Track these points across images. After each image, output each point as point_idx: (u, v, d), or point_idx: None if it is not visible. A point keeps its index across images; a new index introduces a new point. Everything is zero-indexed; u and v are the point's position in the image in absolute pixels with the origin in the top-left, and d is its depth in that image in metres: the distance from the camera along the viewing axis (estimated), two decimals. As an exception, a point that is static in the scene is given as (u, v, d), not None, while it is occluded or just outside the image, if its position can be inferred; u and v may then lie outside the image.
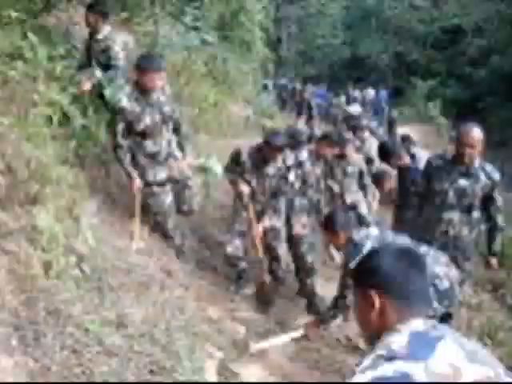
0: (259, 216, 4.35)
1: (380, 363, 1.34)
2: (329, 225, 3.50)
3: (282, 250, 4.56)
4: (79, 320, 2.37)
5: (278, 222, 4.49)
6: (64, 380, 2.05)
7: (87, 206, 3.37)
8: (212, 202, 5.65)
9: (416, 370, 1.30)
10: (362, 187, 5.53)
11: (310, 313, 4.54)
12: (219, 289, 4.24)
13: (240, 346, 3.49)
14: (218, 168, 5.39)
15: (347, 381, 1.40)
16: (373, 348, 1.43)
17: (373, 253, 1.66)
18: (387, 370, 1.31)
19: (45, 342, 2.11)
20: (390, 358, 1.34)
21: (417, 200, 4.26)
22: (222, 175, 4.96)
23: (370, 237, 3.35)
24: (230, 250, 4.37)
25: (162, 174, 4.10)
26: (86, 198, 3.44)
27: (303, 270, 4.68)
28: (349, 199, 5.44)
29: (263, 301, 4.34)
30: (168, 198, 4.18)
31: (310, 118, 14.95)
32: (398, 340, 1.39)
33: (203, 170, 5.60)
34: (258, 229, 4.32)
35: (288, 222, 4.66)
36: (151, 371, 2.49)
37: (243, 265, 4.46)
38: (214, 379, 3.07)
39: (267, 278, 4.36)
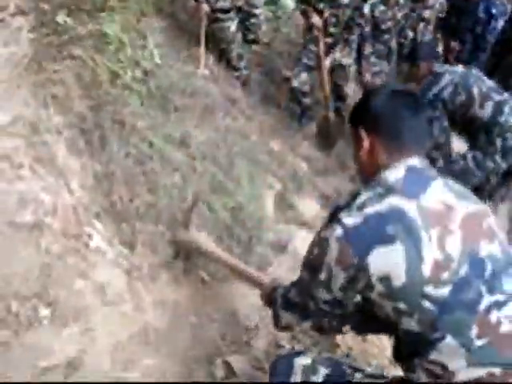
0: (329, 50, 4.14)
1: (377, 199, 1.34)
2: (413, 55, 3.34)
3: (350, 89, 4.40)
4: (143, 133, 2.38)
5: (348, 59, 4.27)
6: (126, 186, 2.10)
7: (154, 25, 3.27)
8: (281, 36, 5.40)
9: (409, 206, 1.30)
10: None
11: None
12: (282, 124, 4.16)
13: (299, 180, 3.50)
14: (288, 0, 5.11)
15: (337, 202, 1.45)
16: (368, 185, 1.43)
17: (368, 93, 1.66)
18: (383, 204, 1.32)
19: (110, 148, 2.14)
20: (387, 192, 1.34)
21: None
22: (294, 7, 4.70)
23: (452, 72, 3.17)
24: (295, 84, 4.24)
25: (226, 2, 3.90)
26: (153, 17, 3.33)
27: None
28: None
29: (325, 137, 4.28)
30: (233, 26, 4.01)
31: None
32: (394, 174, 1.38)
33: (273, 1, 5.32)
34: (327, 63, 4.13)
35: (359, 65, 4.45)
36: (212, 190, 2.52)
37: (308, 101, 4.34)
38: (271, 209, 3.12)
39: (332, 115, 4.25)
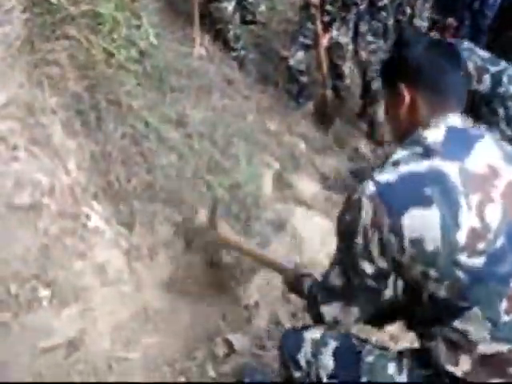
0: (326, 28, 4.10)
1: (414, 159, 1.27)
2: None
3: (347, 68, 4.37)
4: (139, 113, 2.36)
5: (345, 38, 4.24)
6: (124, 166, 2.10)
7: (148, 5, 3.23)
8: (277, 14, 5.35)
9: (451, 169, 1.24)
10: None
11: (369, 138, 4.48)
12: (279, 104, 4.14)
13: (297, 159, 3.49)
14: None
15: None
16: (404, 143, 1.35)
17: (401, 44, 1.51)
18: (422, 165, 1.25)
19: (106, 128, 2.13)
20: (426, 153, 1.27)
21: None
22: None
23: None
24: (292, 62, 4.21)
25: None
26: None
27: (367, 96, 4.53)
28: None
29: (322, 116, 4.26)
30: (230, 6, 3.97)
31: None
32: (434, 135, 1.30)
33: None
34: (324, 41, 4.10)
35: (356, 44, 4.41)
36: (209, 170, 2.52)
37: (305, 80, 4.31)
38: (270, 188, 3.11)
39: (329, 94, 4.23)
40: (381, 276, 1.33)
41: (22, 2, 2.23)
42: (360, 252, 1.31)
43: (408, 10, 5.05)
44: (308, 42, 4.16)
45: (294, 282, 1.79)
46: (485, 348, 1.26)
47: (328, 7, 4.03)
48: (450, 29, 5.31)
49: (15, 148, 1.93)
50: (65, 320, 1.86)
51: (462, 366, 1.28)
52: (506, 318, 1.24)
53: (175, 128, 2.54)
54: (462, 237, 1.20)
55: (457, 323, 1.26)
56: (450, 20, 5.29)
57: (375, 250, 1.28)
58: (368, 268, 1.32)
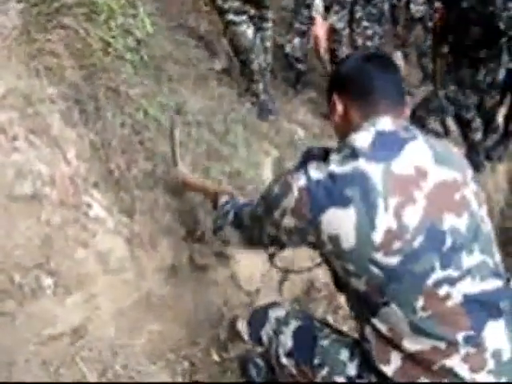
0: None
1: (342, 160, 1.33)
2: None
3: (343, 54, 4.36)
4: (138, 102, 2.36)
5: (341, 23, 4.23)
6: (124, 155, 2.10)
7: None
8: (273, 1, 5.32)
9: (374, 171, 1.28)
10: None
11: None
12: (277, 91, 4.14)
13: (296, 146, 3.50)
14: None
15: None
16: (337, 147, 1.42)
17: (341, 59, 1.74)
18: (347, 166, 1.30)
19: (105, 117, 2.13)
20: (352, 155, 1.32)
21: None
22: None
23: None
24: (288, 49, 4.21)
25: None
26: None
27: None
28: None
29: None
30: None
31: None
32: (361, 137, 1.35)
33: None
34: (321, 27, 4.08)
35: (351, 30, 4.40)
36: (209, 158, 2.52)
37: (302, 67, 4.31)
38: (269, 175, 3.12)
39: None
40: (276, 240, 1.49)
41: (17, -8, 2.22)
42: (271, 220, 1.43)
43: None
44: (304, 28, 4.16)
45: (219, 199, 1.94)
46: (410, 344, 1.29)
47: (324, -8, 4.02)
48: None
49: (15, 139, 1.93)
50: (69, 308, 1.88)
51: (394, 363, 1.32)
52: (422, 314, 1.28)
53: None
54: (377, 237, 1.25)
55: (380, 317, 1.32)
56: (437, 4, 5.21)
57: (283, 227, 1.39)
58: (271, 231, 1.46)
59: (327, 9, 4.08)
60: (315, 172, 1.33)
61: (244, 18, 3.32)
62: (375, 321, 1.33)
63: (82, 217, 1.98)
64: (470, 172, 1.44)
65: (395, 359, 1.32)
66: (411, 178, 1.29)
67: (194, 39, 3.74)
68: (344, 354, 1.47)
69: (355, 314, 1.46)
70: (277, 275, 2.44)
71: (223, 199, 1.91)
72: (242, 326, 2.13)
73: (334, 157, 1.36)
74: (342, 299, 2.53)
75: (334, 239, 1.28)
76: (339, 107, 1.47)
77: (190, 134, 2.52)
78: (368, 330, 1.36)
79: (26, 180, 1.90)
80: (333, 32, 4.17)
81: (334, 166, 1.32)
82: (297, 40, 4.17)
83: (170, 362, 2.03)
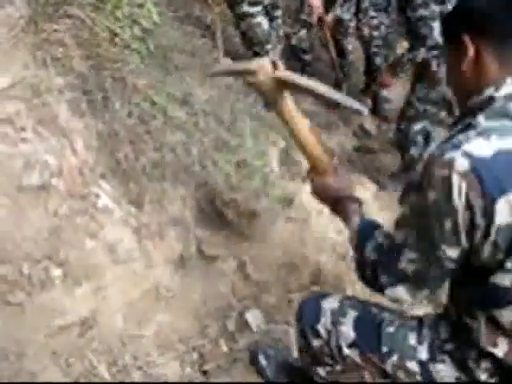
0: (328, 5, 4.07)
1: (506, 132, 1.12)
2: None
3: (349, 45, 4.34)
4: (145, 92, 2.35)
5: (347, 14, 4.20)
6: (131, 145, 2.09)
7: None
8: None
9: None
10: None
11: (374, 114, 4.46)
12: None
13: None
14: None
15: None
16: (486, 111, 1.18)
17: None
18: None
19: (113, 107, 2.12)
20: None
21: None
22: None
23: None
24: (294, 42, 4.19)
25: None
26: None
27: (370, 72, 4.50)
28: None
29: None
30: None
31: None
32: None
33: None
34: (328, 20, 4.07)
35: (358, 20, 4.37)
36: (216, 148, 2.51)
37: (308, 58, 4.29)
38: (276, 165, 3.11)
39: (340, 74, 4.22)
40: (463, 258, 1.20)
41: (23, -19, 2.20)
42: (447, 236, 1.15)
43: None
44: (310, 20, 4.13)
45: (333, 203, 1.61)
46: None
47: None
48: None
49: (23, 129, 1.92)
50: (77, 299, 1.87)
51: (502, 347, 1.26)
52: None
53: (181, 107, 2.53)
54: None
55: (500, 312, 1.22)
56: None
57: (463, 233, 1.13)
58: (453, 253, 1.18)
59: (333, 1, 4.05)
60: (474, 146, 1.10)
61: (259, 8, 3.27)
62: (497, 312, 1.22)
63: (90, 207, 1.98)
64: None
65: (502, 344, 1.25)
66: None
67: (201, 29, 3.72)
68: (412, 338, 1.43)
69: (465, 303, 1.33)
70: (286, 265, 2.43)
71: (357, 217, 1.53)
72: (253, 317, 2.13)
73: (489, 124, 1.14)
74: (349, 290, 2.52)
75: (505, 231, 1.10)
76: (470, 51, 1.23)
77: (198, 123, 2.51)
78: (481, 317, 1.26)
79: (33, 171, 1.89)
80: (338, 23, 4.15)
81: (500, 141, 1.09)
82: (303, 32, 4.15)
83: (178, 352, 2.02)
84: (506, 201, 1.07)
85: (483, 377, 1.30)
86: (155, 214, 2.10)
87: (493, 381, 1.30)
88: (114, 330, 1.94)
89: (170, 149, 2.22)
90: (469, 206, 1.09)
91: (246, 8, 3.28)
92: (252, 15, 3.30)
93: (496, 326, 1.24)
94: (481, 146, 1.09)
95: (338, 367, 1.57)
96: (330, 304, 1.58)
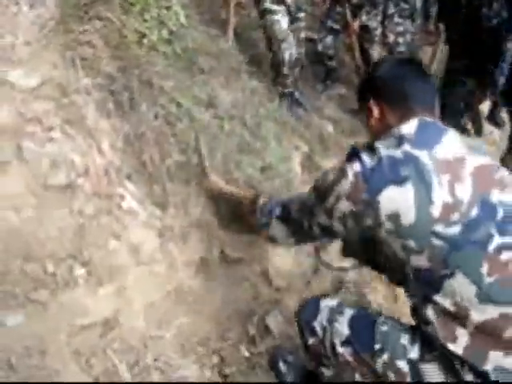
0: (355, 12, 4.05)
1: (391, 146, 1.40)
2: None
3: (376, 52, 4.31)
4: (171, 94, 2.35)
5: (374, 22, 4.18)
6: (157, 146, 2.10)
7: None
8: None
9: (421, 154, 1.36)
10: None
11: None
12: (307, 86, 4.11)
13: (326, 141, 3.47)
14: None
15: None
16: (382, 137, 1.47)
17: (373, 66, 1.79)
18: (397, 151, 1.37)
19: (139, 109, 2.13)
20: (400, 141, 1.39)
21: None
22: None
23: None
24: (320, 48, 4.18)
25: None
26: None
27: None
28: None
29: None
30: None
31: None
32: (407, 127, 1.42)
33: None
34: (355, 27, 4.05)
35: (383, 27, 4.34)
36: (240, 151, 2.51)
37: (333, 64, 4.28)
38: (299, 169, 3.10)
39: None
40: (327, 230, 1.53)
41: (54, -17, 2.23)
42: (324, 208, 1.48)
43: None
44: (337, 26, 4.12)
45: (255, 201, 1.93)
46: (477, 315, 1.32)
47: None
48: None
49: (50, 129, 1.94)
50: (100, 299, 1.88)
51: (461, 340, 1.34)
52: (489, 280, 1.30)
53: (206, 109, 2.53)
54: (435, 210, 1.31)
55: (444, 292, 1.34)
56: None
57: (337, 214, 1.45)
58: (323, 221, 1.51)
59: (359, 7, 4.03)
60: (368, 158, 1.40)
61: (281, 7, 3.32)
62: (438, 297, 1.36)
63: (115, 208, 1.98)
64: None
65: (462, 336, 1.34)
66: (453, 162, 1.37)
67: (226, 32, 3.72)
68: (404, 338, 1.50)
69: (414, 300, 1.48)
70: (308, 271, 2.41)
71: (263, 200, 1.91)
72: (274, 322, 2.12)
73: (381, 145, 1.41)
74: (371, 296, 2.50)
75: (394, 217, 1.34)
76: (375, 111, 1.54)
77: (222, 127, 2.51)
78: (430, 311, 1.38)
79: (60, 170, 1.91)
80: (365, 31, 4.13)
81: (385, 151, 1.38)
82: (329, 38, 4.14)
83: (199, 355, 2.02)
84: (387, 193, 1.35)
85: (469, 377, 1.35)
86: (179, 217, 2.10)
87: (479, 381, 1.34)
88: (135, 331, 1.94)
89: (195, 151, 2.22)
90: (351, 197, 1.41)
91: (267, 5, 3.36)
92: (272, 12, 3.36)
93: (446, 315, 1.35)
94: (372, 158, 1.40)
95: (333, 369, 1.66)
96: (327, 302, 1.68)
